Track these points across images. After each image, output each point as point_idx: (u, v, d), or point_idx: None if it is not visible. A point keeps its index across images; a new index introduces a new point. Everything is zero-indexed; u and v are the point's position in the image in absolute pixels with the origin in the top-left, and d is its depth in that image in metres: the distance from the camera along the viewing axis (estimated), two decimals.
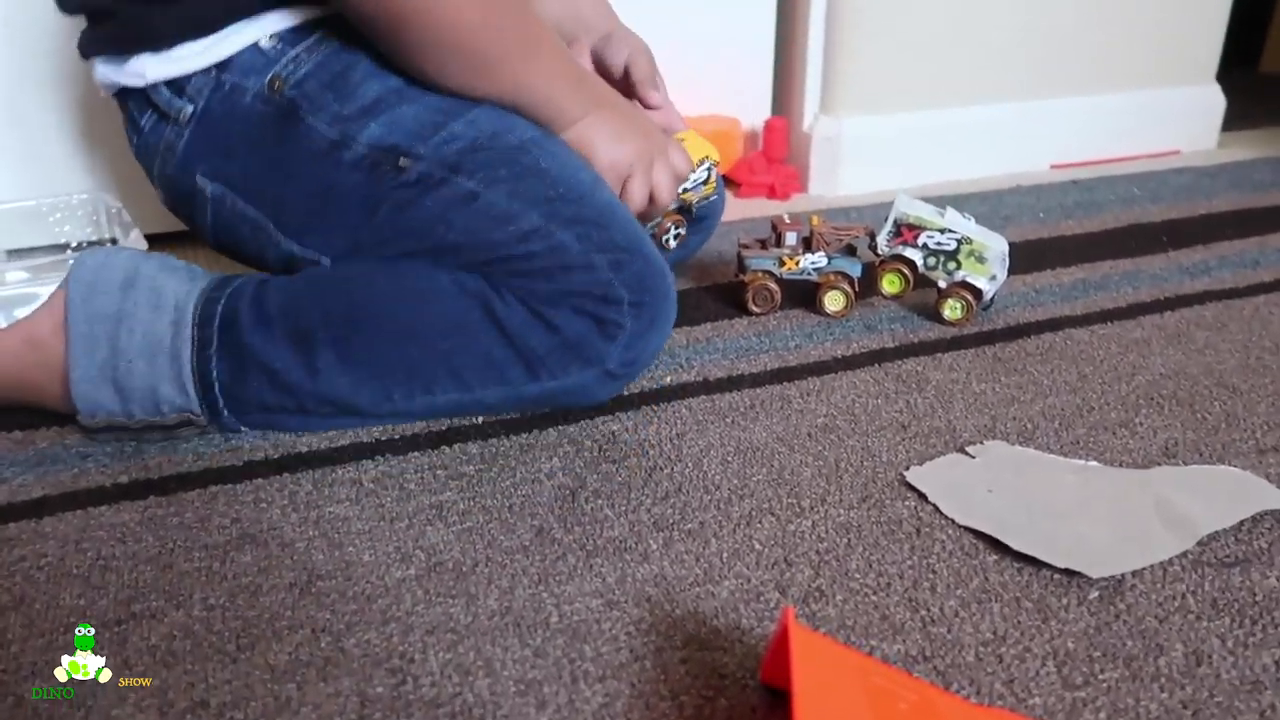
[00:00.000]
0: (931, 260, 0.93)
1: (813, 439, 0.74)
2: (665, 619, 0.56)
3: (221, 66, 0.73)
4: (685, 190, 0.90)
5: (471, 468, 0.70)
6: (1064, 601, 0.57)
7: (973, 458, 0.71)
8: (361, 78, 0.73)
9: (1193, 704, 0.50)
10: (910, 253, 0.93)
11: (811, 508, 0.66)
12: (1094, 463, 0.71)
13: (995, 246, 0.92)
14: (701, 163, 0.89)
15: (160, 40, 0.73)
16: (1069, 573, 0.59)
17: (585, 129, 0.76)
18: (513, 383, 0.72)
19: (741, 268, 0.95)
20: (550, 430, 0.75)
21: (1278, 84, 1.92)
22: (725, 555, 0.61)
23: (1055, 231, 1.17)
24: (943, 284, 0.92)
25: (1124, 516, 0.64)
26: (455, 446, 0.73)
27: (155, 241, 1.06)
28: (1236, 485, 0.67)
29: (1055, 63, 1.38)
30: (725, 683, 0.52)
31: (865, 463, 0.71)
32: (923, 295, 0.96)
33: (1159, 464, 0.70)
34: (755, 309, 0.94)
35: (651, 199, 0.79)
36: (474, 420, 0.76)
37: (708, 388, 0.81)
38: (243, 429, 0.74)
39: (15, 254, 1.00)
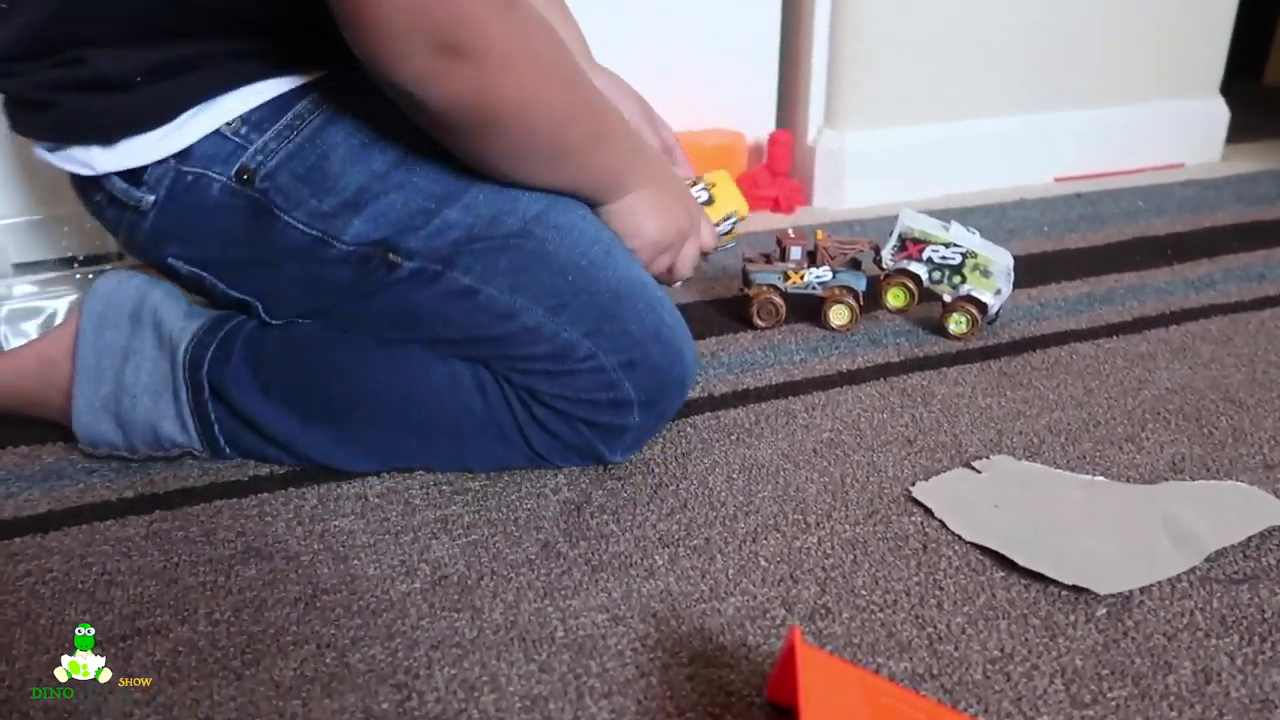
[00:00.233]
0: (936, 274, 0.93)
1: (818, 454, 0.73)
2: (671, 635, 0.56)
3: (181, 156, 0.65)
4: None
5: (476, 482, 0.70)
6: (1072, 618, 0.57)
7: (979, 473, 0.71)
8: (341, 166, 0.65)
9: None
10: (915, 267, 0.93)
11: (817, 524, 0.66)
12: (1101, 478, 0.70)
13: (1000, 260, 0.92)
14: (728, 218, 0.89)
15: (106, 135, 0.65)
16: (1076, 589, 0.59)
17: (635, 202, 0.71)
18: (512, 464, 0.71)
19: (746, 282, 0.95)
20: None
21: None
22: (731, 572, 0.61)
23: (1060, 245, 1.17)
24: (948, 298, 0.92)
25: (1131, 532, 0.64)
26: None
27: None
28: (1244, 501, 0.67)
29: (1059, 76, 1.38)
30: (731, 700, 0.52)
31: (871, 478, 0.71)
32: (927, 309, 0.96)
33: (1166, 479, 0.70)
34: (760, 323, 0.94)
35: (671, 268, 0.76)
36: None
37: (713, 403, 0.81)
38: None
39: (21, 268, 1.00)
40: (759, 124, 1.34)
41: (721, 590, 0.60)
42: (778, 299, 0.94)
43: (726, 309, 0.99)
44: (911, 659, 0.54)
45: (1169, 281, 1.05)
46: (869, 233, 1.19)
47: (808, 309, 0.96)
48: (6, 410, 0.75)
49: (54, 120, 0.65)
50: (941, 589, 0.59)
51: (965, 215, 1.25)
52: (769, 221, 1.25)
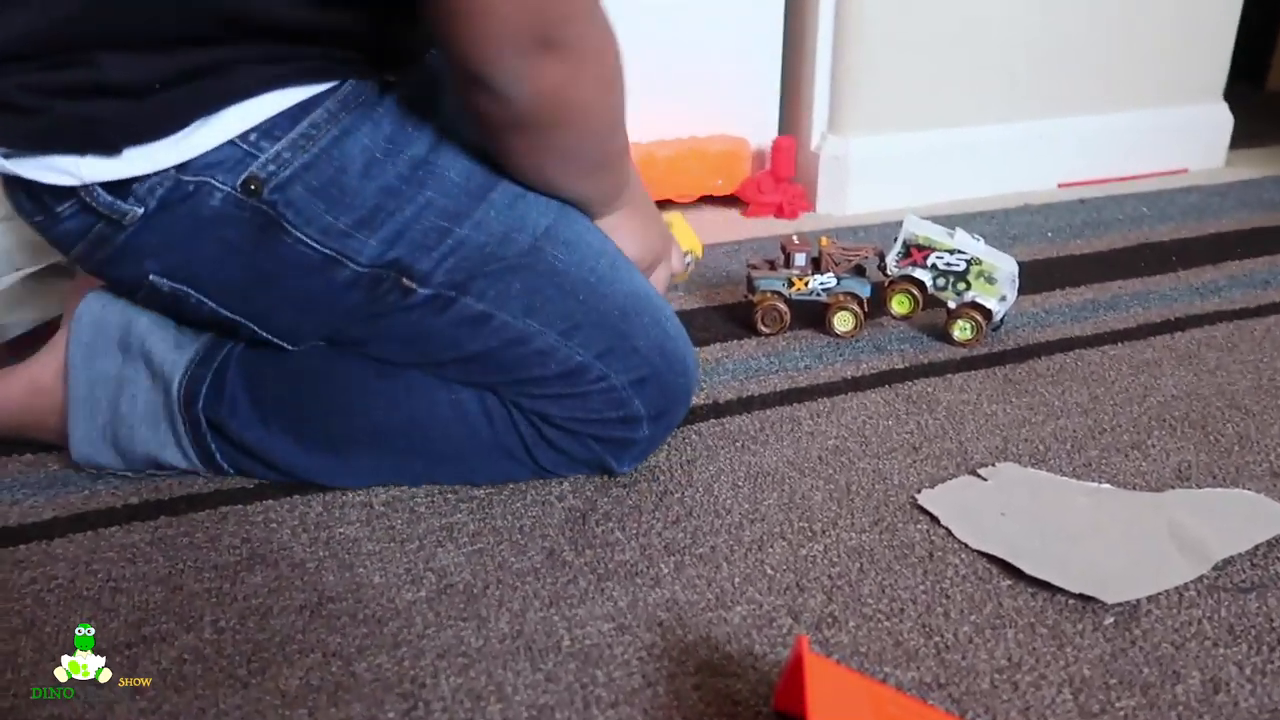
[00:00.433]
0: (941, 281, 0.93)
1: (823, 462, 0.73)
2: (677, 644, 0.56)
3: (183, 166, 0.60)
4: None
5: (481, 490, 0.70)
6: (1079, 627, 0.57)
7: (985, 480, 0.71)
8: (357, 180, 0.62)
9: None
10: (919, 273, 0.93)
11: (823, 532, 0.65)
12: (1107, 485, 0.70)
13: (1005, 267, 0.92)
14: (684, 255, 0.88)
15: (108, 143, 0.59)
16: (1083, 598, 0.59)
17: (620, 219, 0.72)
18: (517, 478, 0.71)
19: (750, 288, 0.95)
20: None
21: None
22: (737, 580, 0.61)
23: (1064, 251, 1.17)
24: (952, 305, 0.92)
25: (1138, 541, 0.63)
26: None
27: None
28: (1251, 509, 0.67)
29: (1062, 81, 1.38)
30: (739, 709, 0.51)
31: (876, 486, 0.70)
32: (932, 316, 0.96)
33: (1172, 487, 0.70)
34: (764, 329, 0.94)
35: None
36: None
37: (717, 410, 0.81)
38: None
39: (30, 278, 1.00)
40: (762, 130, 1.34)
41: (727, 599, 0.59)
42: (782, 305, 0.94)
43: (731, 315, 0.98)
44: (919, 668, 0.54)
45: (1174, 288, 1.05)
46: (872, 238, 1.19)
47: (812, 315, 0.96)
48: (2, 435, 0.74)
49: (38, 126, 0.59)
50: (948, 597, 0.59)
51: (968, 221, 1.24)
52: (772, 228, 1.25)
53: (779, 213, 1.31)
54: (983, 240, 0.94)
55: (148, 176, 0.60)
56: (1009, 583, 0.60)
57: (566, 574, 0.62)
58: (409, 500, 0.69)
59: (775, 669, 0.54)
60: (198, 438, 0.69)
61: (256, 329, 0.67)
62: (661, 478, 0.71)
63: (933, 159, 1.35)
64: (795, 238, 0.96)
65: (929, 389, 0.84)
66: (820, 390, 0.84)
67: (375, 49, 0.63)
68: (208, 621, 0.58)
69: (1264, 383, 0.85)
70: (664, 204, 1.18)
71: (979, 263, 0.91)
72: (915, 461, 0.73)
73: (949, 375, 0.86)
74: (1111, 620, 0.57)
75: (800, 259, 0.94)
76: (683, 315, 0.71)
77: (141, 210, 0.61)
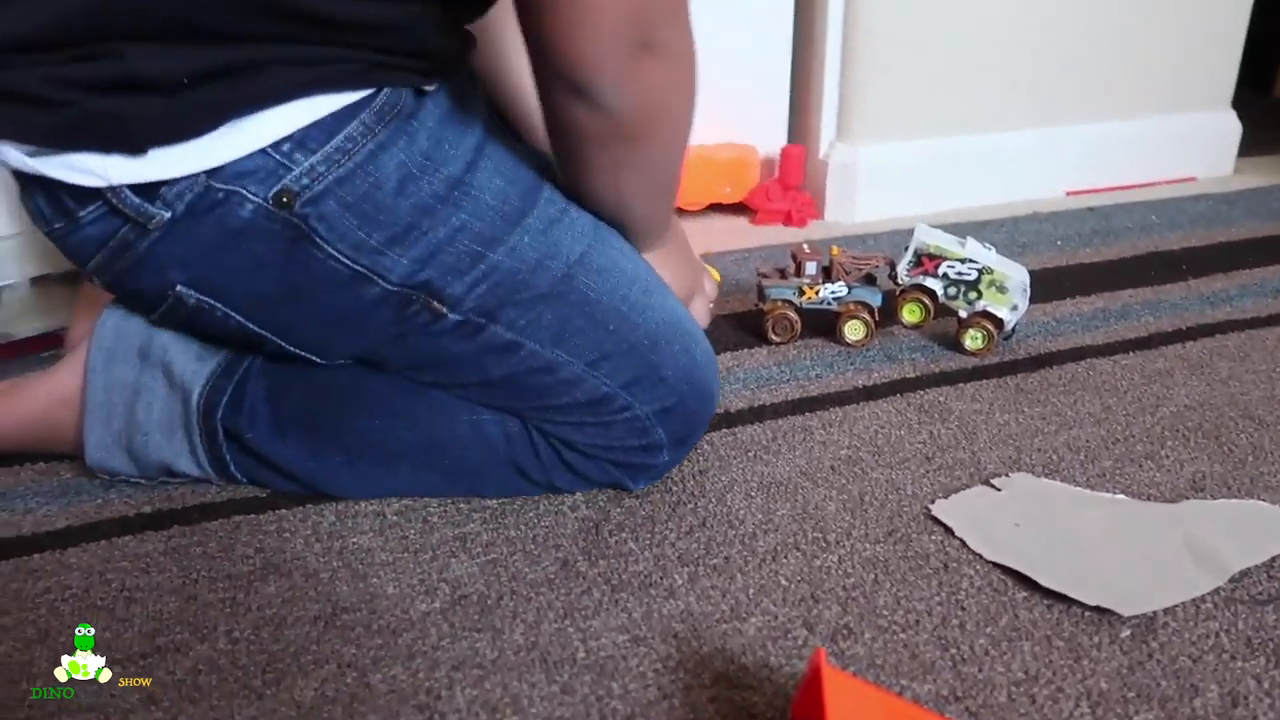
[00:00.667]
0: (952, 290, 0.93)
1: (836, 472, 0.73)
2: (692, 656, 0.56)
3: (212, 170, 0.58)
4: None
5: (494, 500, 0.70)
6: (1096, 640, 0.57)
7: (998, 491, 0.71)
8: (392, 197, 0.60)
9: None
10: (931, 282, 0.93)
11: (837, 542, 0.65)
12: (1121, 496, 0.70)
13: (1016, 276, 0.92)
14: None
15: (133, 142, 0.57)
16: (1100, 610, 0.58)
17: (663, 256, 0.73)
18: (530, 494, 0.71)
19: (761, 297, 0.95)
20: None
21: None
22: (752, 591, 0.61)
23: (1073, 259, 1.16)
24: (964, 314, 0.92)
25: (1153, 553, 0.63)
26: None
27: None
28: (1267, 520, 0.67)
29: (1070, 89, 1.38)
30: None
31: (890, 496, 0.70)
32: (943, 325, 0.96)
33: (1187, 498, 0.70)
34: (775, 338, 0.94)
35: None
36: None
37: (729, 420, 0.81)
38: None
39: (38, 281, 1.00)
40: (771, 138, 1.34)
41: (742, 610, 0.59)
42: (793, 314, 0.93)
43: (741, 324, 0.98)
44: (935, 681, 0.54)
45: (1184, 297, 1.05)
46: (880, 246, 1.18)
47: (823, 324, 0.96)
48: (20, 448, 0.74)
49: (63, 120, 0.56)
50: (964, 609, 0.59)
51: (977, 229, 1.24)
52: (782, 236, 1.25)
53: (787, 220, 1.31)
54: (994, 249, 0.94)
55: (177, 180, 0.58)
56: (1024, 594, 0.60)
57: (580, 585, 0.61)
58: (421, 510, 0.69)
59: (791, 681, 0.54)
60: (213, 447, 0.69)
61: (283, 343, 0.66)
62: (674, 488, 0.71)
63: (940, 167, 1.35)
64: (806, 246, 0.96)
65: (941, 398, 0.84)
66: (832, 399, 0.84)
67: (414, 53, 0.60)
68: (222, 632, 0.58)
69: (1276, 393, 0.84)
70: None
71: (990, 272, 0.91)
72: (928, 472, 0.73)
73: (961, 384, 0.86)
74: (1128, 633, 0.57)
75: (811, 268, 0.94)
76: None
77: (169, 214, 0.59)
